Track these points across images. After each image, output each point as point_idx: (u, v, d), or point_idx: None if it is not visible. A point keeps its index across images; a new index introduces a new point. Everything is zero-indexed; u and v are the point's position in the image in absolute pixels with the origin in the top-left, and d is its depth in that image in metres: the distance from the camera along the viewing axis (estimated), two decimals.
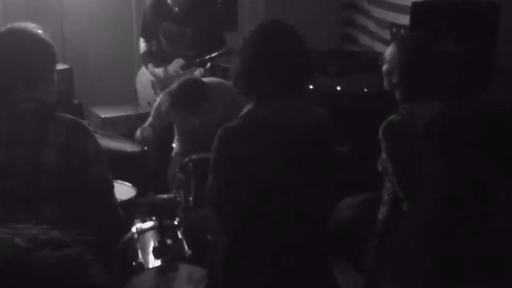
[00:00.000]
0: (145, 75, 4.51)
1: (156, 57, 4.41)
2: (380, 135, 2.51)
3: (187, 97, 3.33)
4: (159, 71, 4.31)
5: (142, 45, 4.47)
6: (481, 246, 1.88)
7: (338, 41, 5.76)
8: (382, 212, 2.68)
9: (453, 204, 2.00)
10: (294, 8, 5.53)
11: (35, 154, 2.09)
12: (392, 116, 2.52)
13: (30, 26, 2.17)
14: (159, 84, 4.31)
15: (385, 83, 2.64)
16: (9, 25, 2.16)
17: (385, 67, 2.62)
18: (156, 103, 3.70)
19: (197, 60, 3.67)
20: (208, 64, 3.75)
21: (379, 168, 2.62)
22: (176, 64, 4.17)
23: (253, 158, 2.10)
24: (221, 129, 2.13)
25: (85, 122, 2.26)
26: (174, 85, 3.37)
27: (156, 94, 4.30)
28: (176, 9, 4.25)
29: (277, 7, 5.53)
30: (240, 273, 2.23)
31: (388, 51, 2.62)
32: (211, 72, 3.88)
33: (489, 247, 1.85)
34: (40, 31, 2.18)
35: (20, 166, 2.09)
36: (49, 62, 2.20)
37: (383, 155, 2.56)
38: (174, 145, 3.85)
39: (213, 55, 3.73)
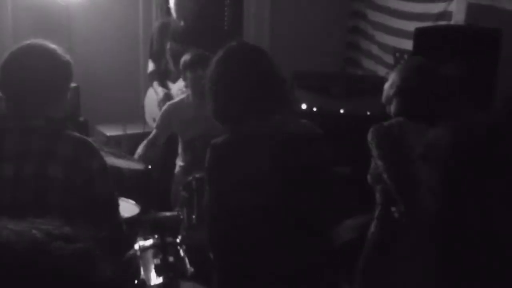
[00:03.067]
0: (152, 93, 4.62)
1: (163, 76, 4.54)
2: (371, 138, 2.64)
3: (200, 55, 3.68)
4: (161, 90, 4.45)
5: (150, 65, 4.63)
6: (483, 252, 1.91)
7: (342, 64, 5.82)
8: (373, 226, 2.75)
9: (455, 216, 2.04)
10: (299, 31, 5.59)
11: (42, 169, 2.13)
12: (380, 123, 2.69)
13: (45, 44, 2.21)
14: (163, 102, 4.40)
15: (384, 96, 2.81)
16: (24, 42, 2.20)
17: (387, 82, 2.81)
18: (161, 111, 3.82)
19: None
20: None
21: (369, 180, 2.72)
22: (181, 82, 4.26)
23: (242, 171, 2.14)
24: (210, 146, 2.19)
25: (91, 140, 2.31)
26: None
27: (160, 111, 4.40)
28: (182, 23, 4.40)
29: (282, 29, 5.59)
30: None
31: (395, 70, 2.85)
32: None
33: (491, 252, 1.89)
34: (54, 48, 2.21)
35: (27, 181, 2.13)
36: (58, 80, 2.23)
37: (374, 163, 2.67)
38: (177, 163, 3.91)
39: None
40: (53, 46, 2.23)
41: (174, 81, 4.43)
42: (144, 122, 4.62)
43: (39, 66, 2.17)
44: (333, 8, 5.75)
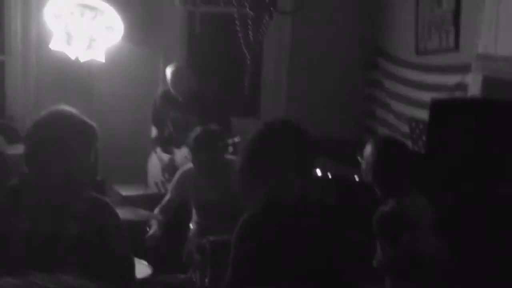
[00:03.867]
0: (155, 158, 4.75)
1: (167, 142, 4.67)
2: (378, 227, 2.58)
3: (206, 137, 3.65)
4: (165, 157, 4.57)
5: (154, 131, 4.77)
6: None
7: (358, 132, 5.85)
8: None
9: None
10: (315, 99, 5.66)
11: (58, 225, 2.15)
12: (382, 208, 2.62)
13: (70, 110, 2.29)
14: (167, 168, 4.50)
15: (363, 177, 2.88)
16: (51, 108, 2.28)
17: (362, 164, 2.85)
18: (175, 178, 3.86)
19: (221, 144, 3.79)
20: (230, 148, 3.85)
21: (375, 264, 2.65)
22: (185, 149, 4.32)
23: (275, 244, 2.15)
24: (244, 218, 2.20)
25: (108, 199, 2.34)
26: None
27: (164, 177, 4.51)
28: (180, 99, 4.50)
29: (298, 97, 5.67)
30: None
31: (365, 151, 2.85)
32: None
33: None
34: (79, 114, 2.29)
35: (43, 236, 2.15)
36: (72, 138, 2.25)
37: (380, 251, 2.60)
38: (191, 225, 3.92)
39: (236, 139, 3.84)
40: (77, 112, 2.30)
41: (178, 147, 4.52)
42: (146, 185, 4.75)
43: (66, 131, 2.23)
44: (349, 76, 5.83)
